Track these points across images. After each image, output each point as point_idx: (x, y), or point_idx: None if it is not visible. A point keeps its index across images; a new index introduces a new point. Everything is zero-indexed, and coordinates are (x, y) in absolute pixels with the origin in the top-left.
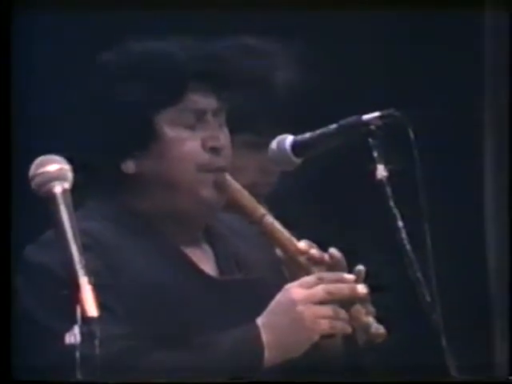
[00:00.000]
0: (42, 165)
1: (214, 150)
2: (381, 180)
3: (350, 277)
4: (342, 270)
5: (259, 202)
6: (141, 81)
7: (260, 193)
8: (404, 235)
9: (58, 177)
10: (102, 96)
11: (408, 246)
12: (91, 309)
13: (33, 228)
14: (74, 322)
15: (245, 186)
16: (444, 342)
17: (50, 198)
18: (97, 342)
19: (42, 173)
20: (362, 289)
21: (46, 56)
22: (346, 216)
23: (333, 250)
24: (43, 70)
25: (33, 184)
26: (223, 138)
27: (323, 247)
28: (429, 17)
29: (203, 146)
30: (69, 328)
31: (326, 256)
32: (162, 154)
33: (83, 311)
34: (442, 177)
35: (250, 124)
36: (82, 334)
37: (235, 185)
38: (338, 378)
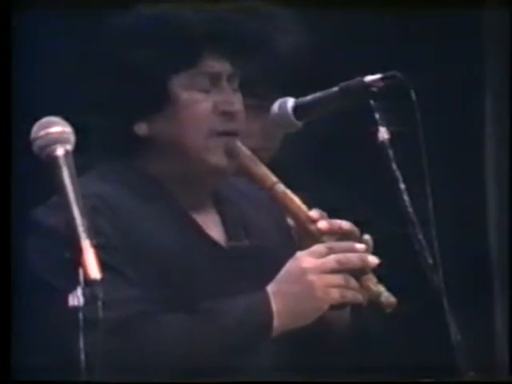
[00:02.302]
0: (44, 127)
1: (226, 114)
2: (382, 142)
3: (361, 246)
4: (354, 240)
5: None
6: (156, 44)
7: (262, 157)
8: (406, 197)
9: (60, 139)
10: (118, 59)
11: (410, 209)
12: (93, 271)
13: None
14: (78, 284)
15: None
16: (445, 304)
17: (52, 160)
18: (100, 304)
19: (44, 135)
20: (372, 259)
21: (46, 56)
22: (348, 179)
23: (344, 223)
24: (43, 70)
25: (34, 146)
26: (237, 102)
27: (325, 210)
28: None
29: (214, 109)
30: (72, 289)
31: (337, 226)
32: (175, 117)
33: (86, 273)
34: (443, 138)
35: (251, 88)
36: (85, 295)
37: (246, 151)
38: (337, 377)
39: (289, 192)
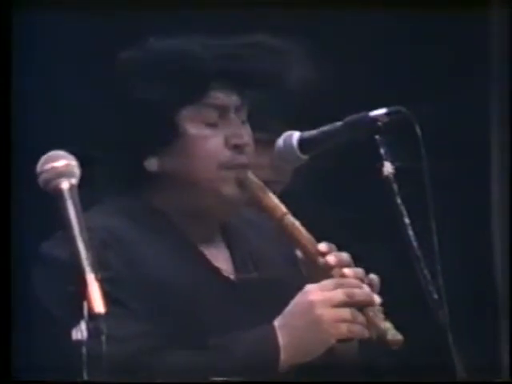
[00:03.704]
0: (49, 161)
1: (237, 148)
2: (387, 177)
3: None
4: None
5: None
6: (163, 78)
7: (273, 190)
8: (411, 232)
9: (65, 173)
10: (125, 94)
11: (415, 243)
12: (98, 305)
13: (33, 228)
14: (82, 317)
15: None
16: (451, 340)
17: (57, 194)
18: (103, 339)
19: (49, 169)
20: (377, 298)
21: (46, 56)
22: (352, 213)
23: (356, 270)
24: (43, 70)
25: (40, 180)
26: (246, 135)
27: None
28: (437, 15)
29: (226, 143)
30: (77, 323)
31: (345, 259)
32: (184, 152)
33: (90, 307)
34: (448, 174)
35: (261, 121)
36: (89, 330)
37: (257, 182)
38: (341, 377)
39: (298, 224)
